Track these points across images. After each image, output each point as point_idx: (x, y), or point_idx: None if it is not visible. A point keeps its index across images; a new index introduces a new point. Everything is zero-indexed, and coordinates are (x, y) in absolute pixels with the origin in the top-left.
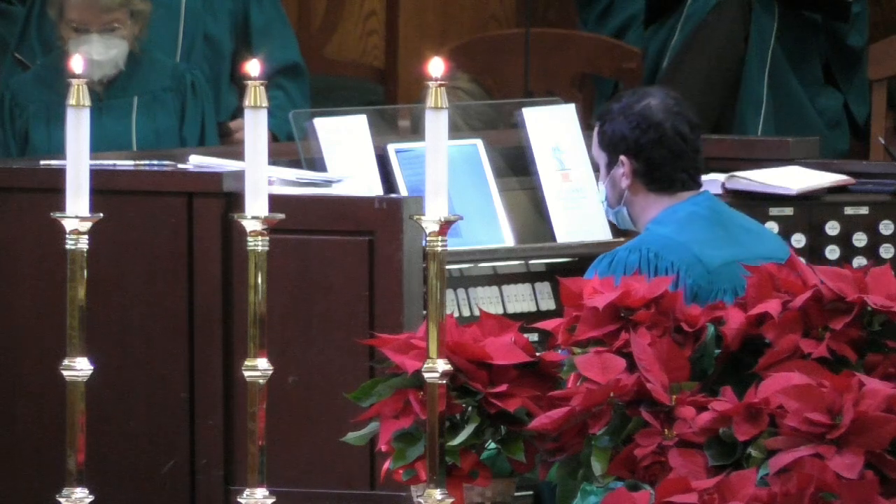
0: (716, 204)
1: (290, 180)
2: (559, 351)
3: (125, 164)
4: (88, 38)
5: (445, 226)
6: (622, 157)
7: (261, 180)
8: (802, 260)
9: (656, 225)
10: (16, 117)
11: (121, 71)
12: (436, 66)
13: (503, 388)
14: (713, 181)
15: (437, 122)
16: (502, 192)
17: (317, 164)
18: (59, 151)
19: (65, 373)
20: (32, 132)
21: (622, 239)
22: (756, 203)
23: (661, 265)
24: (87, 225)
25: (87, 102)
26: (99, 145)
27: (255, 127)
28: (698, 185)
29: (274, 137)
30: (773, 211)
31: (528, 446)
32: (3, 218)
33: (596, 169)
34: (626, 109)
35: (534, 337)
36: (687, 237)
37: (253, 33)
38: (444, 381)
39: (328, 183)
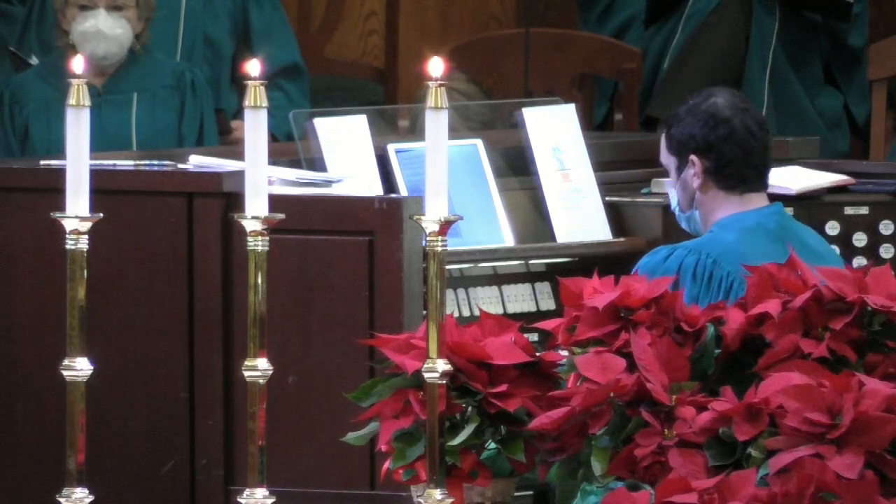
0: (784, 219)
1: (290, 180)
2: (559, 351)
3: (125, 164)
4: (96, 12)
5: (445, 226)
6: (692, 157)
7: (261, 180)
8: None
9: (721, 229)
10: (15, 115)
11: (123, 61)
12: (436, 66)
13: (503, 388)
14: None
15: (437, 122)
16: (502, 192)
17: (317, 164)
18: (59, 148)
19: (65, 373)
20: (32, 129)
21: (622, 239)
22: None
23: (716, 273)
24: (87, 225)
25: (87, 102)
26: (99, 140)
27: (255, 127)
28: (765, 184)
29: (273, 137)
30: None
31: (528, 446)
32: (3, 218)
33: (598, 169)
34: (693, 109)
35: (534, 337)
36: (748, 249)
37: (253, 35)
38: (444, 381)
39: (328, 183)
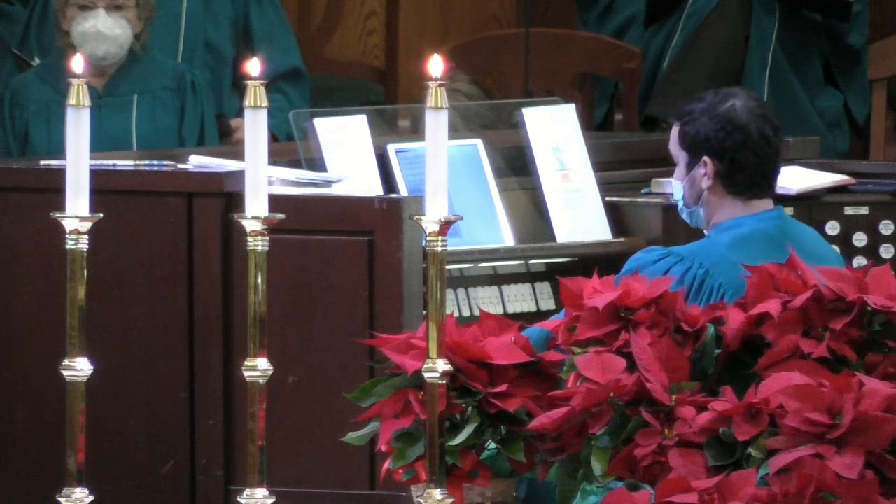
0: (785, 223)
1: (290, 180)
2: (559, 351)
3: (125, 164)
4: (95, 12)
5: (445, 226)
6: (705, 158)
7: (261, 180)
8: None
9: (718, 233)
10: (16, 117)
11: (122, 61)
12: (436, 66)
13: (503, 388)
14: None
15: (437, 122)
16: (502, 192)
17: (317, 164)
18: (60, 150)
19: (65, 373)
20: (32, 131)
21: (622, 239)
22: None
23: (707, 283)
24: (87, 225)
25: (87, 102)
26: (99, 142)
27: (255, 127)
28: (772, 190)
29: (274, 137)
30: None
31: (528, 446)
32: (3, 218)
33: (598, 169)
34: (710, 110)
35: None
36: (741, 257)
37: (254, 39)
38: (444, 381)
39: (328, 183)
